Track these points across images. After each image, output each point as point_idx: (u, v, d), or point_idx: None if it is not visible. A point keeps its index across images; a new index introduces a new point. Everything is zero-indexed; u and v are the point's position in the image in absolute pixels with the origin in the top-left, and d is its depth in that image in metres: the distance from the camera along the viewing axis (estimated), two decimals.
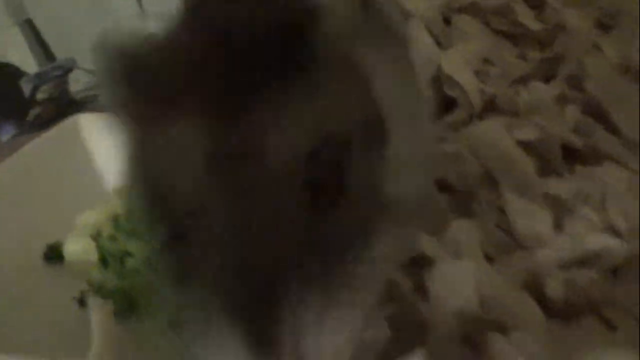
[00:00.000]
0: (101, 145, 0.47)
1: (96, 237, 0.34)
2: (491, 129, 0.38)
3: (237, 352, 0.19)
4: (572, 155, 0.36)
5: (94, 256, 0.35)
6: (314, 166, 0.20)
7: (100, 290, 0.34)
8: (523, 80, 0.42)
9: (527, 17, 0.47)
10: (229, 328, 0.19)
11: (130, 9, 0.79)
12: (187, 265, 0.20)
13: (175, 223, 0.20)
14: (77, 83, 0.88)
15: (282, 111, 0.20)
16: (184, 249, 0.20)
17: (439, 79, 0.43)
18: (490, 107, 0.41)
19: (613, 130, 0.35)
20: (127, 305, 0.33)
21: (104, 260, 0.33)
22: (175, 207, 0.20)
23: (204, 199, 0.19)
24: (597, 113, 0.36)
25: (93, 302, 0.32)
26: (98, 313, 0.32)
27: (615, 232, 0.31)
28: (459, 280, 0.28)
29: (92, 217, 0.36)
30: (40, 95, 0.83)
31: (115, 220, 0.34)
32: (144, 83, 0.21)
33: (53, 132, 0.47)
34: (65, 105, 0.82)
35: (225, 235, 0.19)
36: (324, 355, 0.19)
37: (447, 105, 0.42)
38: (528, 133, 0.36)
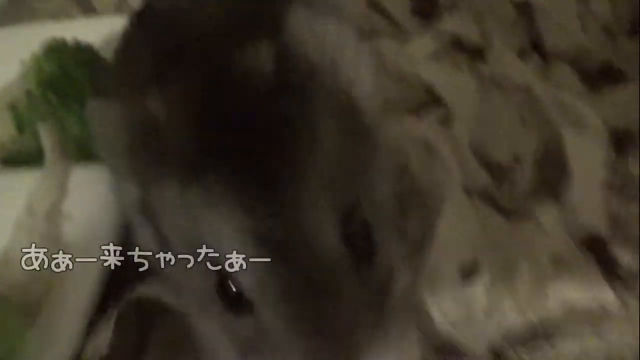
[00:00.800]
0: None
1: (12, 108, 0.39)
2: None
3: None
4: None
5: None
6: (347, 227, 0.23)
7: (16, 154, 0.40)
8: None
9: None
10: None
11: None
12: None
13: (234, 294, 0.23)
14: None
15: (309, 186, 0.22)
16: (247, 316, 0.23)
17: None
18: None
19: None
20: None
21: (19, 127, 0.39)
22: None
23: (260, 273, 0.22)
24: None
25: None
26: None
27: None
28: None
29: None
30: None
31: (28, 93, 0.39)
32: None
33: None
34: None
35: (283, 292, 0.21)
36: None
37: None
38: None
